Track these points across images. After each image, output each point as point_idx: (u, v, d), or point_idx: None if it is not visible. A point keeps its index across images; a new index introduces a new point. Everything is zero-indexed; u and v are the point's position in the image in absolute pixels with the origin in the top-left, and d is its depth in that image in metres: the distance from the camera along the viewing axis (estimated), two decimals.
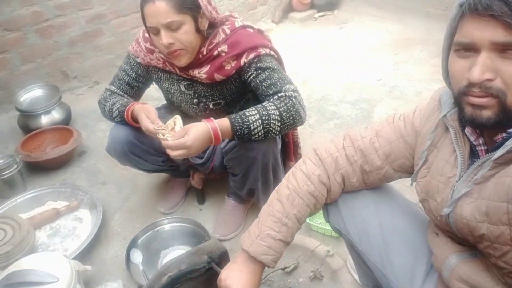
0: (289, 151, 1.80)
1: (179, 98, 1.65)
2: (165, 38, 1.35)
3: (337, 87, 2.82)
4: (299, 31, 3.76)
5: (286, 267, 1.57)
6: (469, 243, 0.88)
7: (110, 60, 3.00)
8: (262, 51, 1.45)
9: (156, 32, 1.37)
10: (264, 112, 1.35)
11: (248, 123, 1.34)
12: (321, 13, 3.95)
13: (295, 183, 1.09)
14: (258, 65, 1.45)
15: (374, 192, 1.13)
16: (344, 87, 2.82)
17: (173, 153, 1.31)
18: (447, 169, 0.89)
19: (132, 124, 1.53)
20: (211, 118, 1.36)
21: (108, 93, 1.64)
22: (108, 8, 2.83)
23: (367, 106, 2.59)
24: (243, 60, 1.45)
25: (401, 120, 1.04)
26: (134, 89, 1.67)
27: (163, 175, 2.07)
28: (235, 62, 1.46)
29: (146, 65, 1.61)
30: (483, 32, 0.69)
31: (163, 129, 1.38)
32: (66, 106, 2.55)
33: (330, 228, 1.71)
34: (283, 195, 1.09)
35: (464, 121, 0.80)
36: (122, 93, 1.65)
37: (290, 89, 1.42)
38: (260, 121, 1.34)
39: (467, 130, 0.84)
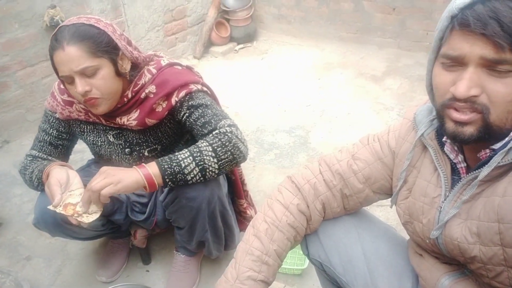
0: (238, 188, 1.68)
1: (108, 150, 1.48)
2: (80, 85, 1.20)
3: (270, 117, 2.82)
4: (222, 65, 3.74)
5: None
6: (457, 262, 0.87)
7: (20, 115, 2.70)
8: (193, 87, 1.35)
9: (71, 80, 1.22)
10: (195, 149, 1.23)
11: (178, 160, 1.20)
12: (241, 45, 3.99)
13: (272, 216, 1.01)
14: (190, 103, 1.34)
15: (353, 217, 1.09)
16: (276, 116, 2.82)
17: (96, 185, 1.15)
18: (431, 190, 0.87)
19: None
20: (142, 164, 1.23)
21: (28, 159, 1.43)
22: (12, 59, 2.55)
23: (302, 133, 2.60)
24: (174, 99, 1.33)
25: (376, 142, 1.02)
26: (58, 148, 1.47)
27: (99, 239, 1.84)
28: (166, 102, 1.34)
29: (66, 119, 1.43)
30: (473, 46, 0.67)
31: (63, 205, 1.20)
32: None
33: (291, 267, 1.65)
34: (260, 230, 1.00)
35: (446, 136, 0.79)
36: (45, 156, 1.44)
37: (225, 125, 1.30)
38: (191, 157, 1.21)
39: (447, 149, 0.84)
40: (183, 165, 1.21)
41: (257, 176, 2.18)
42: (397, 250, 1.07)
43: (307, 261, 1.61)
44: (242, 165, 2.19)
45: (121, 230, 1.66)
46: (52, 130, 1.45)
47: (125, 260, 1.75)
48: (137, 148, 1.45)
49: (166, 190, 1.34)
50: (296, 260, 1.69)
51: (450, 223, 0.82)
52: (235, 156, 1.27)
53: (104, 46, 1.21)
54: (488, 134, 0.71)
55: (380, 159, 1.00)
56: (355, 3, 3.57)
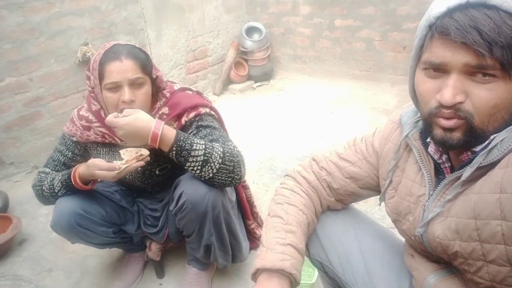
0: (245, 209, 1.76)
1: None
2: (128, 94, 1.36)
3: (284, 146, 2.93)
4: (240, 101, 3.93)
5: None
6: (444, 260, 0.88)
7: (50, 143, 2.89)
8: (202, 110, 1.50)
9: (117, 88, 1.36)
10: (209, 144, 1.37)
11: (192, 142, 1.35)
12: (259, 83, 4.19)
13: (282, 197, 1.10)
14: (200, 123, 1.47)
15: (351, 217, 1.14)
16: (290, 146, 2.93)
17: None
18: (415, 189, 0.91)
19: (82, 187, 1.44)
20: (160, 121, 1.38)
21: (42, 175, 1.55)
22: (46, 91, 2.78)
23: None
24: (184, 119, 1.47)
25: (362, 143, 1.08)
26: (70, 168, 1.57)
27: (116, 254, 1.93)
28: (176, 122, 1.48)
29: (84, 142, 1.56)
30: (455, 55, 0.68)
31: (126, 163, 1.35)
32: (3, 194, 2.36)
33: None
34: (275, 210, 1.07)
35: (434, 142, 0.80)
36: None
37: (231, 145, 1.44)
38: (203, 146, 1.35)
39: (430, 149, 0.87)
40: (194, 147, 1.34)
41: (268, 200, 2.25)
42: (394, 251, 1.10)
43: (316, 276, 1.65)
44: (255, 189, 2.29)
45: (134, 243, 1.74)
46: (68, 152, 1.57)
47: (140, 273, 1.82)
48: (149, 168, 1.57)
49: (175, 198, 1.44)
50: (305, 276, 1.73)
51: (433, 221, 0.84)
52: (235, 170, 1.38)
53: (150, 67, 1.43)
54: (474, 138, 0.73)
55: (365, 158, 1.06)
56: (367, 42, 3.76)
